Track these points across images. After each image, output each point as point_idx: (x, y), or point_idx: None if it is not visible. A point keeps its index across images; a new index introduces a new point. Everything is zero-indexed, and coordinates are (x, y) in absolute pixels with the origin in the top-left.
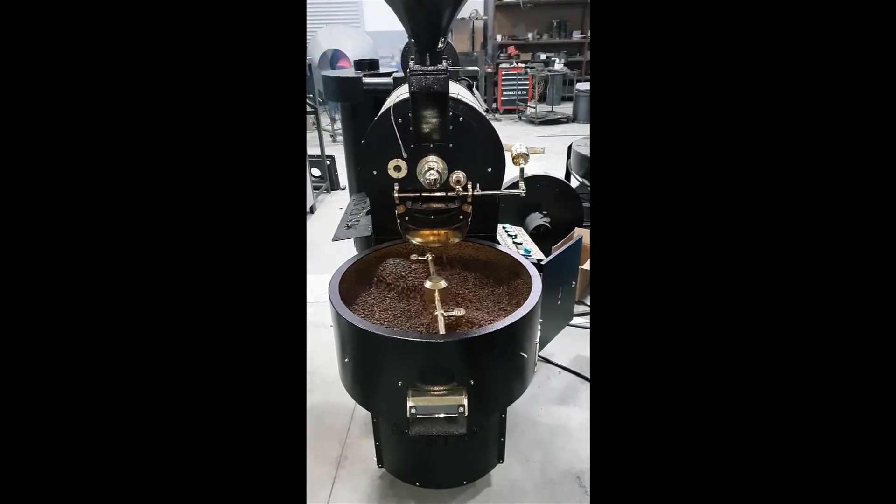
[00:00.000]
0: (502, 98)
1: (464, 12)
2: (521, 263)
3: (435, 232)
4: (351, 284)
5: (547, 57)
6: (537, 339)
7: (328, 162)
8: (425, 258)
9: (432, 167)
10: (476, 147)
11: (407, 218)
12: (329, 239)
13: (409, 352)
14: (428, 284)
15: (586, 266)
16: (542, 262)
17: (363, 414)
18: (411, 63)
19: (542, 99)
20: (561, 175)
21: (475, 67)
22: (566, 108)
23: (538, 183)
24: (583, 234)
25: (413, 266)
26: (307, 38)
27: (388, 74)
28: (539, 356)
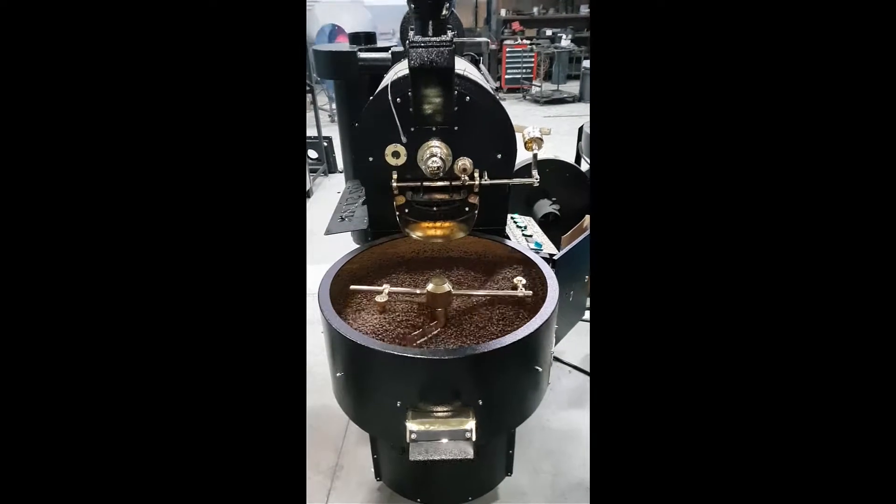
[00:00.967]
0: (506, 76)
1: None
2: (534, 262)
3: (438, 225)
4: (345, 285)
5: (553, 33)
6: (553, 349)
7: (325, 144)
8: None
9: (435, 153)
10: (484, 131)
11: (407, 210)
12: (327, 225)
13: (409, 370)
14: (430, 287)
15: None
16: (555, 258)
17: None
18: (411, 34)
19: (548, 77)
20: (568, 159)
21: (483, 39)
22: (572, 87)
23: (547, 167)
24: None
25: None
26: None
27: (386, 49)
28: None
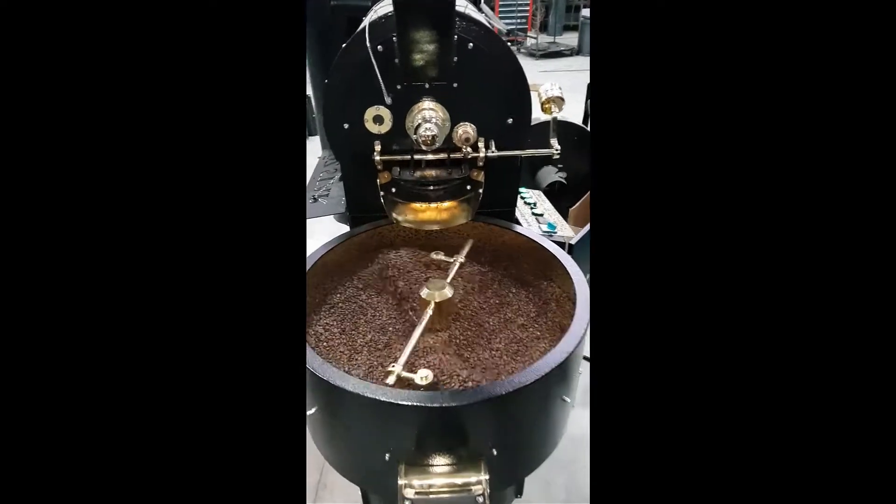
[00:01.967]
0: (499, 28)
1: None
2: (554, 256)
3: (432, 208)
4: (319, 282)
5: None
6: (581, 371)
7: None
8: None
9: (429, 118)
10: (492, 88)
11: (393, 189)
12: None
13: (399, 419)
14: (424, 293)
15: None
16: (571, 242)
17: None
18: None
19: (543, 28)
20: (573, 119)
21: None
22: (569, 39)
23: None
24: None
25: (413, 263)
26: None
27: None
28: None
